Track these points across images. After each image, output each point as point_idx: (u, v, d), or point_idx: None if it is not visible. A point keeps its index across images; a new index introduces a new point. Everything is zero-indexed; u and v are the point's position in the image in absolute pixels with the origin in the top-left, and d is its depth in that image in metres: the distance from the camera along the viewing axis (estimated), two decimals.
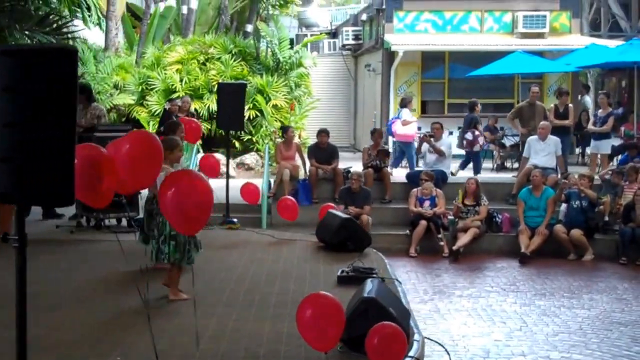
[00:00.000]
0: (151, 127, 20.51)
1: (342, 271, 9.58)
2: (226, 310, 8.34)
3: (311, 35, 34.56)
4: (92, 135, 12.69)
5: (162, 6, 29.44)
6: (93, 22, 20.57)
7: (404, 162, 20.55)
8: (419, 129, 21.17)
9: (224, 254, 11.31)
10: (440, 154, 17.16)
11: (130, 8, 33.27)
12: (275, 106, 22.57)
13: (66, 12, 17.23)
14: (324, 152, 17.38)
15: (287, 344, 7.10)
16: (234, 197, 15.07)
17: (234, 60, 23.28)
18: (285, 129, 18.15)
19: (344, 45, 30.28)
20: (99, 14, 21.51)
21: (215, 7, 31.89)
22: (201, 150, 21.28)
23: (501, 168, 21.43)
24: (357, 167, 17.84)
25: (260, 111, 22.37)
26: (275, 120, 22.33)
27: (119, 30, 27.59)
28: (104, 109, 14.45)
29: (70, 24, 15.80)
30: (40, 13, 14.32)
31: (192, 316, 7.90)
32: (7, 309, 8.20)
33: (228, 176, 14.70)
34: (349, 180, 16.25)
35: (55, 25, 13.95)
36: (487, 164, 21.58)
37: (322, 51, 34.29)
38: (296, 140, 19.43)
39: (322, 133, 17.57)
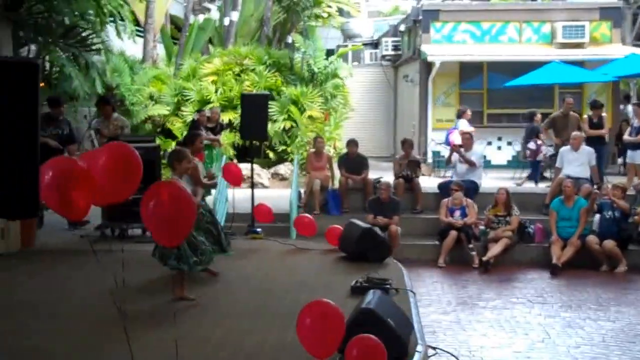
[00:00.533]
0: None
1: (356, 282, 9.46)
2: (234, 319, 8.25)
3: (353, 46, 34.60)
4: None
5: (201, 18, 29.65)
6: (127, 34, 20.61)
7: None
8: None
9: (242, 263, 11.21)
10: (471, 164, 16.97)
11: (173, 20, 33.57)
12: (310, 117, 22.53)
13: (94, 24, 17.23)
14: (354, 162, 17.28)
15: (290, 354, 6.99)
16: (272, 207, 15.01)
17: (268, 71, 23.32)
18: (314, 139, 18.10)
19: (383, 56, 30.19)
20: (132, 26, 21.58)
21: (258, 19, 32.04)
22: (235, 160, 21.34)
23: (540, 178, 21.16)
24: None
25: (296, 122, 22.35)
26: (310, 131, 22.27)
27: (158, 42, 27.84)
28: (127, 121, 14.48)
29: (94, 36, 15.74)
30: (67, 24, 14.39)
31: (195, 325, 7.88)
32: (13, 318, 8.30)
33: (253, 186, 14.63)
34: (379, 190, 16.11)
35: (79, 38, 13.97)
36: (524, 174, 21.42)
37: (363, 62, 34.26)
38: (328, 151, 19.40)
39: (352, 143, 17.50)
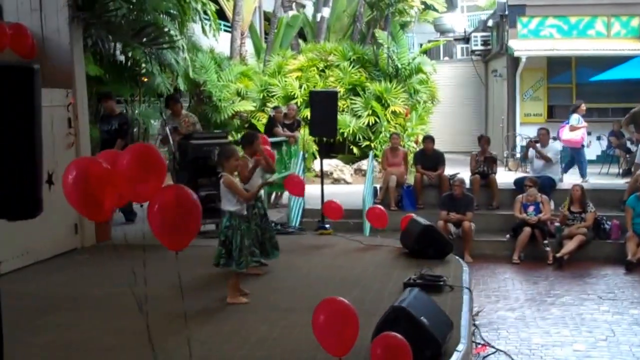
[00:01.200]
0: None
1: (409, 278, 9.51)
2: (281, 315, 8.35)
3: (445, 41, 34.51)
4: (188, 143, 12.99)
5: (290, 14, 29.93)
6: (212, 32, 21.01)
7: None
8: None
9: (304, 259, 11.36)
10: (547, 160, 16.81)
11: (267, 16, 33.89)
12: (394, 112, 22.58)
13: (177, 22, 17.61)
14: (429, 158, 17.31)
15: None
16: (349, 203, 15.22)
17: (353, 67, 23.45)
18: (390, 135, 18.16)
19: (472, 51, 30.01)
20: (217, 23, 21.99)
21: (351, 15, 32.14)
22: (318, 157, 21.56)
23: (627, 173, 20.81)
24: None
25: (379, 117, 22.44)
26: (392, 127, 22.32)
27: (247, 37, 28.21)
28: (196, 117, 14.73)
29: (169, 34, 16.06)
30: (145, 22, 14.71)
31: (243, 321, 8.06)
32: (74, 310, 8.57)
33: (322, 182, 14.70)
34: (452, 186, 16.10)
35: (152, 36, 14.29)
36: (613, 169, 21.16)
37: (456, 57, 34.12)
38: (410, 147, 19.41)
39: (428, 139, 17.54)
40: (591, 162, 22.72)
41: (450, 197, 15.84)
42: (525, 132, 23.15)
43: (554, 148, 17.42)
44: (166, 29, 17.94)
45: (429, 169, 17.16)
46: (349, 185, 20.79)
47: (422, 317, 6.87)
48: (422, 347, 6.62)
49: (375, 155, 19.96)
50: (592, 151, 23.79)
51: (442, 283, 9.42)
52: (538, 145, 17.11)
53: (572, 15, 24.55)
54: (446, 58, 35.35)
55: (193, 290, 9.33)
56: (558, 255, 14.80)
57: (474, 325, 10.39)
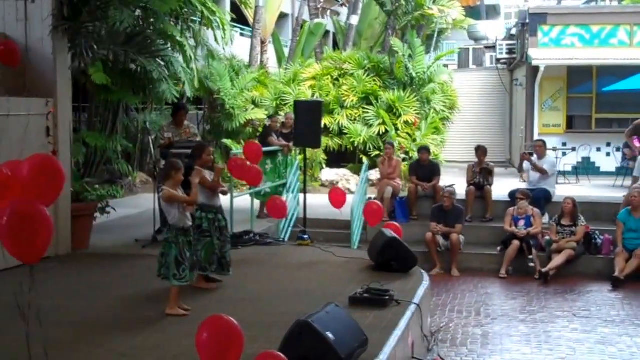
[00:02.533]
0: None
1: (356, 292, 9.49)
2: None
3: (474, 49, 34.37)
4: (169, 152, 13.03)
5: (315, 22, 30.05)
6: (225, 40, 21.14)
7: None
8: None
9: (263, 271, 11.40)
10: (542, 172, 16.62)
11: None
12: (406, 122, 22.52)
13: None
14: (424, 169, 17.23)
15: None
16: (346, 213, 15.24)
17: (367, 76, 23.43)
18: (384, 145, 18.13)
19: (498, 60, 29.83)
20: (229, 31, 22.11)
21: (382, 23, 32.18)
22: (324, 166, 21.64)
23: None
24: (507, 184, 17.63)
25: (393, 126, 22.42)
26: (402, 136, 22.27)
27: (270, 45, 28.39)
28: (196, 129, 14.81)
29: (160, 42, 16.16)
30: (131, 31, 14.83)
31: (169, 333, 8.10)
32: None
33: (305, 191, 14.66)
34: (442, 197, 16.03)
35: (145, 44, 14.45)
36: (627, 181, 20.85)
37: (484, 65, 33.95)
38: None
39: (423, 150, 17.48)
40: (610, 174, 22.52)
41: (440, 208, 15.77)
42: None
43: (550, 160, 17.19)
44: (179, 38, 18.16)
45: (425, 179, 17.07)
46: (350, 195, 20.77)
47: (327, 332, 6.87)
48: None
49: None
50: (612, 163, 23.58)
51: (387, 297, 9.36)
52: (534, 157, 16.90)
53: (594, 24, 24.33)
54: (473, 66, 35.20)
55: (144, 300, 9.46)
56: (543, 270, 14.61)
57: (429, 340, 10.33)
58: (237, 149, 20.50)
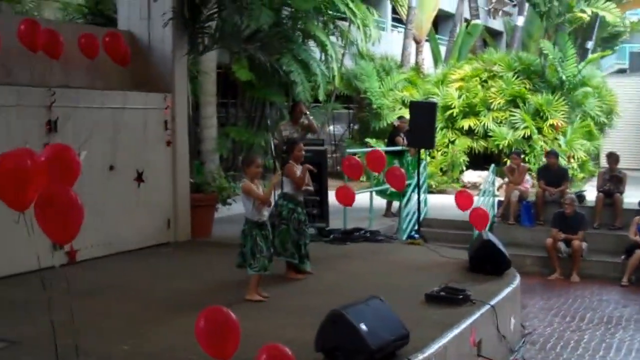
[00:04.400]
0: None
1: (432, 290, 9.64)
2: (277, 316, 8.67)
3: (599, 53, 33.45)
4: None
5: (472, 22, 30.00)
6: (371, 40, 21.49)
7: None
8: None
9: (350, 265, 11.72)
10: None
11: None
12: (552, 125, 22.24)
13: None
14: (553, 174, 17.04)
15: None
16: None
17: (516, 78, 23.25)
18: (509, 155, 18.10)
19: None
20: (376, 31, 22.43)
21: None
22: (464, 168, 21.62)
23: None
24: None
25: (538, 129, 22.20)
26: (547, 140, 22.01)
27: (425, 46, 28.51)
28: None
29: (277, 42, 16.53)
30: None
31: (250, 321, 8.45)
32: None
33: (419, 190, 14.81)
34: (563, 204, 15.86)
35: (267, 41, 14.88)
36: None
37: None
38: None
39: (551, 154, 17.32)
40: None
41: (562, 215, 15.62)
42: None
43: None
44: (322, 37, 18.61)
45: (553, 184, 16.89)
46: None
47: (361, 324, 7.07)
48: (354, 350, 6.89)
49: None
50: None
51: (461, 297, 9.46)
52: None
53: None
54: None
55: (232, 286, 9.89)
56: None
57: (511, 341, 10.34)
58: (379, 146, 20.78)
